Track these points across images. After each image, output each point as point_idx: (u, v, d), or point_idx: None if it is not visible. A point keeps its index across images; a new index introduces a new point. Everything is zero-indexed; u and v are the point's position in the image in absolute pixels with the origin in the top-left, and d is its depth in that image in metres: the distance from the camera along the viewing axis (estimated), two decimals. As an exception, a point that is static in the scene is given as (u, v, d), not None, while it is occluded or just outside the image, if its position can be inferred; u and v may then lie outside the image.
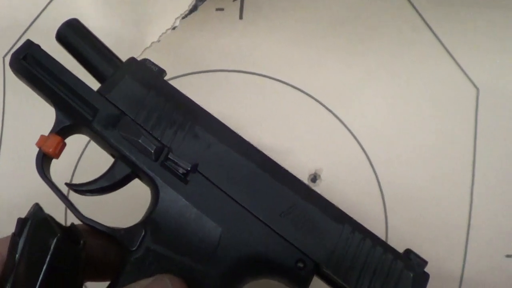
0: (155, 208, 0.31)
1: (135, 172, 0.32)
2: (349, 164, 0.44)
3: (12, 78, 0.47)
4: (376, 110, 0.44)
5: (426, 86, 0.44)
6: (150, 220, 0.31)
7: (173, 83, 0.45)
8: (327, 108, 0.45)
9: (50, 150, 0.32)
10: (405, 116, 0.44)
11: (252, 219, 0.31)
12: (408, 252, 0.31)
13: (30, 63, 0.32)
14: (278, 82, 0.45)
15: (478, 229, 0.43)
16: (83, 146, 0.44)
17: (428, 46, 0.45)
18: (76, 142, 0.34)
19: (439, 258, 0.43)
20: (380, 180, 0.44)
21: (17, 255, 0.28)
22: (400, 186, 0.44)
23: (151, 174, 0.31)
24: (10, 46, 0.48)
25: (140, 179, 0.33)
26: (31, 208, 0.30)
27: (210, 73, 0.45)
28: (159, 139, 0.32)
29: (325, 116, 0.45)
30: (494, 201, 0.43)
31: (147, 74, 0.33)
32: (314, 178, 0.44)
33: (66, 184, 0.33)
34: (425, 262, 0.31)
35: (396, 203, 0.44)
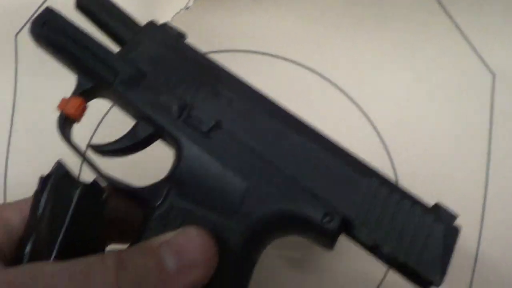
0: (178, 165, 0.30)
1: (157, 132, 0.32)
2: (363, 147, 0.43)
3: (25, 57, 0.48)
4: (390, 93, 0.44)
5: (441, 70, 0.44)
6: (174, 177, 0.30)
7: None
8: (340, 90, 0.44)
9: (71, 111, 0.32)
10: (420, 100, 0.44)
11: (277, 173, 0.30)
12: (438, 206, 0.30)
13: (50, 29, 0.32)
14: (291, 63, 0.45)
15: (493, 214, 0.42)
16: (103, 113, 0.43)
17: (444, 29, 0.44)
18: (96, 108, 0.34)
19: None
20: (395, 164, 0.43)
21: (39, 212, 0.28)
22: (414, 170, 0.43)
23: (174, 131, 0.31)
24: (22, 24, 0.47)
25: (163, 138, 0.32)
26: (54, 165, 0.29)
27: (222, 53, 0.45)
28: (181, 96, 0.31)
29: (338, 98, 0.44)
30: (509, 189, 0.43)
31: (166, 36, 0.33)
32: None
33: (88, 145, 0.33)
34: (455, 216, 0.30)
35: (410, 188, 0.43)
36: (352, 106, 0.44)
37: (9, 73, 0.47)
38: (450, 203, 0.42)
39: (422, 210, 0.29)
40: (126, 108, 0.33)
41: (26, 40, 0.47)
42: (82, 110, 0.32)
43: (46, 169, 0.43)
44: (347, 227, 0.30)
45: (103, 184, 0.30)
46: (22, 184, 0.45)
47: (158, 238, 0.27)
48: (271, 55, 0.45)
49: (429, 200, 0.42)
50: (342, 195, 0.30)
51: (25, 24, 0.47)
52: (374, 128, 0.44)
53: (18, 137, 0.46)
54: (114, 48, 0.33)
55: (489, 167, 0.43)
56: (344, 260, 0.41)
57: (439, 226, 0.29)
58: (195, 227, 0.28)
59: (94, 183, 0.29)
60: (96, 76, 0.32)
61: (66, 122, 0.32)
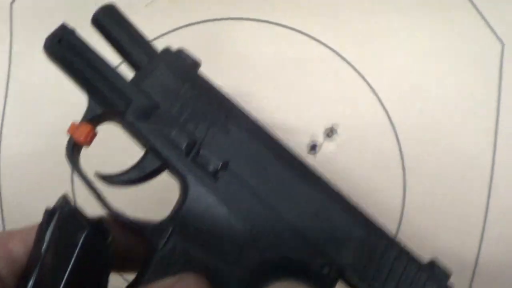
0: (183, 205, 0.30)
1: (165, 165, 0.31)
2: (368, 120, 0.43)
3: (20, 27, 0.46)
4: (397, 65, 0.43)
5: (449, 39, 0.43)
6: (178, 217, 0.30)
7: (186, 30, 0.43)
8: (345, 61, 0.43)
9: (81, 138, 0.31)
10: (427, 71, 0.43)
11: (279, 221, 0.30)
12: (433, 263, 0.31)
13: (64, 48, 0.31)
14: (293, 31, 0.43)
15: (499, 194, 0.41)
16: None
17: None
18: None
19: (457, 217, 0.42)
20: (399, 137, 0.42)
21: (43, 247, 0.28)
22: (421, 144, 0.42)
23: (181, 169, 0.31)
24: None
25: (170, 172, 0.32)
26: (59, 199, 0.29)
27: (225, 21, 0.44)
28: (191, 133, 0.31)
29: (343, 69, 0.43)
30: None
31: (181, 65, 0.33)
32: (331, 132, 0.43)
33: (96, 174, 0.32)
34: (448, 275, 0.31)
35: (414, 161, 0.42)
36: (357, 77, 0.43)
37: (4, 42, 0.46)
38: (455, 176, 0.42)
39: (417, 267, 0.30)
40: (135, 137, 0.32)
41: (21, 9, 0.47)
42: (92, 136, 0.32)
43: (40, 141, 0.42)
44: (344, 276, 0.30)
45: (107, 217, 0.30)
46: (17, 154, 0.45)
47: (158, 285, 0.28)
48: (273, 23, 0.44)
49: (432, 171, 0.42)
50: (341, 247, 0.30)
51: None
52: (379, 99, 0.43)
53: (13, 106, 0.45)
54: (126, 69, 0.33)
55: (497, 140, 0.42)
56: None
57: (432, 285, 0.30)
58: (193, 275, 0.29)
59: (100, 224, 0.29)
60: (107, 103, 0.32)
61: (74, 148, 0.32)
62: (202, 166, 0.31)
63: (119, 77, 0.32)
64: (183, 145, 0.31)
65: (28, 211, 0.43)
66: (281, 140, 0.32)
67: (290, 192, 0.31)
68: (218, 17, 0.44)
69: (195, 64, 0.33)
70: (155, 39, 0.43)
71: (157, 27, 0.44)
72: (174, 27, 0.44)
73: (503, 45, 0.42)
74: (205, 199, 0.30)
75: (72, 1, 0.45)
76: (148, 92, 0.31)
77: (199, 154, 0.31)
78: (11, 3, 0.46)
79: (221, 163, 0.30)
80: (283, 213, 0.30)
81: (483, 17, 0.42)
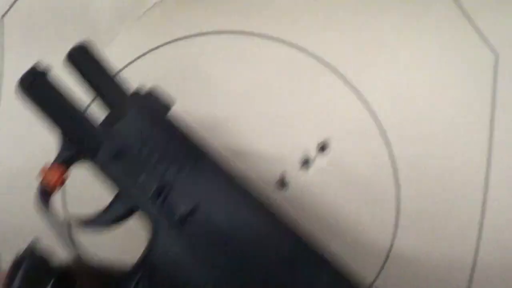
0: (151, 251, 0.30)
1: (134, 209, 0.32)
2: (361, 134, 0.42)
3: (12, 40, 0.46)
4: (389, 76, 0.42)
5: (441, 49, 0.42)
6: (146, 263, 0.30)
7: (178, 45, 0.43)
8: (337, 73, 0.43)
9: (53, 181, 0.32)
10: (420, 83, 0.42)
11: (246, 270, 0.30)
12: None
13: (36, 90, 0.32)
14: (283, 44, 0.43)
15: (495, 201, 0.41)
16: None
17: (444, 6, 0.42)
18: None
19: (452, 235, 0.41)
20: (394, 151, 0.42)
21: None
22: (413, 156, 0.42)
23: (149, 213, 0.31)
24: (9, 6, 0.46)
25: (139, 216, 0.32)
26: (27, 246, 0.30)
27: (214, 36, 0.43)
28: (161, 177, 0.31)
29: (335, 81, 0.43)
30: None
31: (152, 108, 0.33)
32: (323, 147, 0.42)
33: (72, 221, 0.32)
34: None
35: (409, 175, 0.42)
36: (348, 90, 0.43)
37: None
38: (448, 189, 0.42)
39: None
40: (105, 178, 0.32)
41: (13, 23, 0.47)
42: (63, 180, 0.32)
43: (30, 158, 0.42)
44: None
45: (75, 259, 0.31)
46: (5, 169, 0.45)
47: None
48: (262, 36, 0.43)
49: (427, 186, 0.42)
50: None
51: (11, 6, 0.46)
52: (372, 112, 0.42)
53: (4, 123, 0.45)
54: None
55: (491, 155, 0.41)
56: None
57: None
58: None
59: (67, 273, 0.30)
60: (78, 146, 0.32)
61: (46, 193, 0.32)
62: (170, 211, 0.30)
63: (89, 120, 0.32)
64: (152, 189, 0.31)
65: (18, 224, 0.44)
66: (253, 183, 0.32)
67: (259, 242, 0.30)
68: (209, 30, 0.43)
69: (166, 106, 0.33)
70: (141, 56, 0.43)
71: (149, 40, 0.44)
72: (164, 41, 0.43)
73: (497, 55, 0.42)
74: (172, 246, 0.30)
75: (64, 14, 0.45)
76: (119, 135, 0.32)
77: (168, 198, 0.31)
78: (2, 16, 0.46)
79: (190, 209, 0.30)
80: (249, 263, 0.30)
81: (475, 27, 0.42)
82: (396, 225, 0.42)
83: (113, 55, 0.43)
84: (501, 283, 0.42)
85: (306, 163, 0.43)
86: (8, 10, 0.46)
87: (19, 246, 0.31)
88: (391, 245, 0.43)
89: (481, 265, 0.42)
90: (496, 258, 0.42)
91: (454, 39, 0.42)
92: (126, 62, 0.43)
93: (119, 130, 0.32)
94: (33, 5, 0.44)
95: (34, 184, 0.31)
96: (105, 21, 0.43)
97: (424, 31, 0.42)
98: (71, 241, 0.31)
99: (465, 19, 0.42)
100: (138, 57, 0.43)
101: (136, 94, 0.34)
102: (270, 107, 0.43)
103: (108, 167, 0.31)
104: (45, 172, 0.32)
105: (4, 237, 0.44)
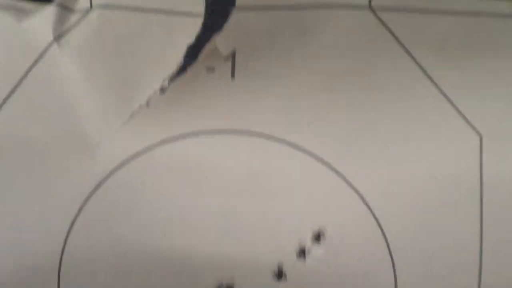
0: None
1: None
2: (355, 223, 0.43)
3: None
4: (378, 165, 0.43)
5: (428, 136, 0.43)
6: None
7: (165, 147, 0.43)
8: (328, 165, 0.43)
9: None
10: (409, 169, 0.43)
11: None
12: None
13: None
14: (275, 141, 0.43)
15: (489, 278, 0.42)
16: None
17: (428, 94, 0.43)
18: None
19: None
20: (388, 237, 0.43)
21: None
22: (408, 241, 0.43)
23: None
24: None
25: None
26: None
27: (201, 135, 0.43)
28: None
29: (326, 174, 0.43)
30: (504, 251, 0.42)
31: None
32: (318, 236, 0.43)
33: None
34: None
35: (404, 258, 0.43)
36: (340, 181, 0.43)
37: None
38: (444, 271, 0.43)
39: None
40: None
41: None
42: None
43: None
44: None
45: None
46: None
47: None
48: (253, 134, 0.43)
49: (422, 269, 0.42)
50: None
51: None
52: (364, 201, 0.43)
53: None
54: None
55: (482, 234, 0.42)
56: None
57: None
58: None
59: None
60: None
61: None
62: None
63: None
64: None
65: None
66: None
67: None
68: (196, 130, 0.44)
69: None
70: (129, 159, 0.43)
71: (136, 142, 0.44)
72: (152, 143, 0.43)
73: (481, 137, 0.43)
74: None
75: (52, 119, 0.45)
76: None
77: None
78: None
79: None
80: None
81: (459, 111, 0.43)
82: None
83: (102, 158, 0.43)
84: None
85: (302, 253, 0.43)
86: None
87: None
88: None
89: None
90: None
91: (439, 124, 0.43)
92: (115, 165, 0.43)
93: None
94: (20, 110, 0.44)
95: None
96: (92, 125, 0.43)
97: (409, 119, 0.43)
98: None
99: (449, 104, 0.43)
100: (129, 158, 0.43)
101: None
102: (262, 200, 0.43)
103: None
104: None
105: None
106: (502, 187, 0.43)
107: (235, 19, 0.41)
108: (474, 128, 0.43)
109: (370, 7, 0.42)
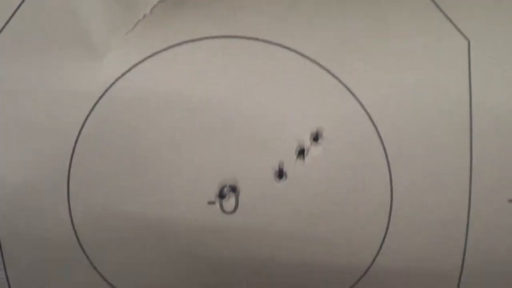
0: None
1: None
2: (350, 123, 0.45)
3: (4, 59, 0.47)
4: (372, 68, 0.45)
5: (416, 40, 0.45)
6: None
7: (167, 53, 0.45)
8: (322, 67, 0.45)
9: None
10: (401, 70, 0.45)
11: None
12: None
13: None
14: (273, 45, 0.45)
15: (480, 174, 0.45)
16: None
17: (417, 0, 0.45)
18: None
19: (442, 206, 0.45)
20: (382, 136, 0.45)
21: None
22: (401, 141, 0.45)
23: None
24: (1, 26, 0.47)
25: None
26: None
27: (204, 41, 0.45)
28: None
29: (321, 76, 0.45)
30: (494, 148, 0.45)
31: None
32: (316, 136, 0.45)
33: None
34: None
35: (398, 157, 0.45)
36: (335, 83, 0.45)
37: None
38: (436, 167, 0.45)
39: None
40: None
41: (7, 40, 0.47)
42: None
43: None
44: None
45: None
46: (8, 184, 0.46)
47: None
48: (251, 39, 0.45)
49: (415, 165, 0.44)
50: None
51: (4, 26, 0.47)
52: (359, 102, 0.45)
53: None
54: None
55: (472, 130, 0.45)
56: None
57: None
58: None
59: None
60: None
61: None
62: None
63: None
64: None
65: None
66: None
67: None
68: (202, 36, 0.45)
69: None
70: (137, 64, 0.45)
71: (144, 48, 0.45)
72: (159, 49, 0.45)
73: (468, 41, 0.45)
74: None
75: (58, 29, 0.46)
76: None
77: None
78: (-3, 36, 0.47)
79: None
80: None
81: (446, 16, 0.45)
82: (390, 209, 0.45)
83: (110, 66, 0.44)
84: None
85: (302, 152, 0.45)
86: (2, 29, 0.47)
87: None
88: (387, 229, 0.46)
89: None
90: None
91: (427, 27, 0.45)
92: (122, 72, 0.45)
93: None
94: (27, 23, 0.45)
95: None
96: (98, 35, 0.45)
97: (398, 23, 0.45)
98: None
99: (437, 9, 0.45)
100: (135, 65, 0.45)
101: None
102: (259, 105, 0.45)
103: None
104: None
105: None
106: (490, 91, 0.45)
107: None
108: (461, 32, 0.45)
109: None
